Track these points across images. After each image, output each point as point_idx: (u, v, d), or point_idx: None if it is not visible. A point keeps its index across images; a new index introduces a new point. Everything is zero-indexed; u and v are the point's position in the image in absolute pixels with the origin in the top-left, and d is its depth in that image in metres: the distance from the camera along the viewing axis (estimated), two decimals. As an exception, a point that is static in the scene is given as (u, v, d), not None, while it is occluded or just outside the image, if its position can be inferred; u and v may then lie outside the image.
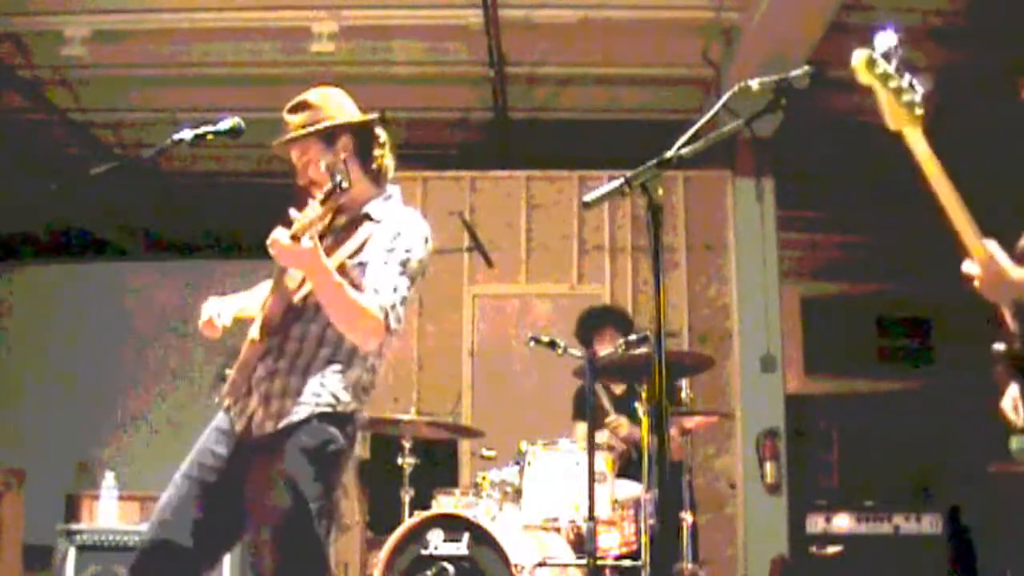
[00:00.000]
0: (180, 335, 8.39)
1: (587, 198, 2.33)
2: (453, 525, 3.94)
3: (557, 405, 5.24)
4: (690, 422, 4.35)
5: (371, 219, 2.78)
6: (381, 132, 2.94)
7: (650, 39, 6.36)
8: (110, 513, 5.06)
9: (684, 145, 2.30)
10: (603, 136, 7.32)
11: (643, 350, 4.26)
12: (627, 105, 7.23)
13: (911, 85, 1.93)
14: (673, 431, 4.46)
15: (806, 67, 2.29)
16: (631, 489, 4.32)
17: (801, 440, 7.36)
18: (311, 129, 2.79)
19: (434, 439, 5.05)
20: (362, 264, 2.69)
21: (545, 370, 5.89)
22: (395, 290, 2.66)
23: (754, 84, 2.31)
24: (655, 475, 3.91)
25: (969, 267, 2.11)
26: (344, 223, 2.81)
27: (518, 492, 4.27)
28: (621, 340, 4.73)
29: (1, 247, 9.46)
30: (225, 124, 2.81)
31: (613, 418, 4.73)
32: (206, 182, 8.38)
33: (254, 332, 2.72)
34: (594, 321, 5.05)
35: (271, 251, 2.55)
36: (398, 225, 2.76)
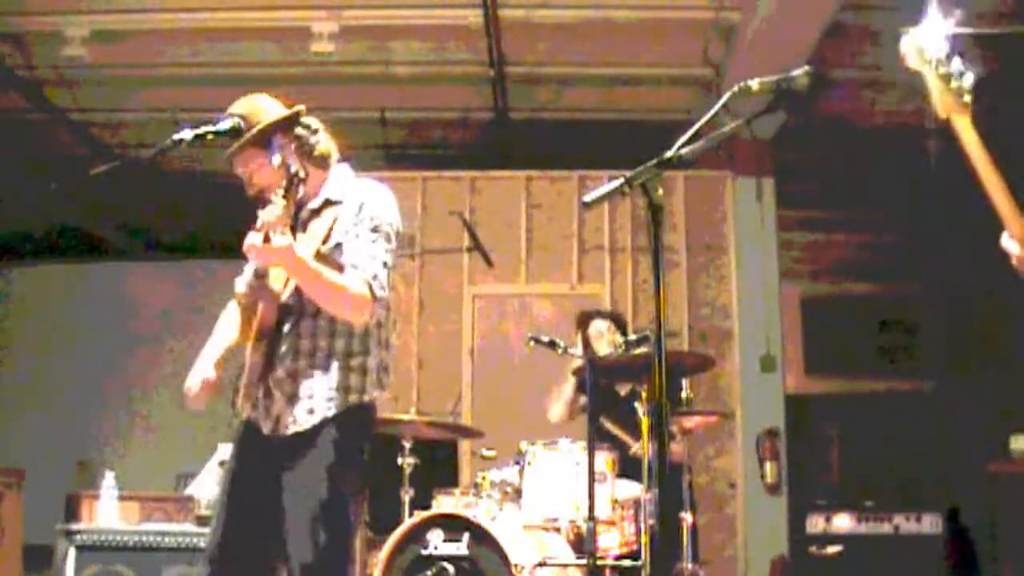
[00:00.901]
0: (180, 335, 8.39)
1: (587, 198, 2.33)
2: (453, 525, 3.94)
3: (557, 405, 5.24)
4: (690, 422, 4.35)
5: (331, 202, 2.84)
6: (311, 120, 2.95)
7: (650, 39, 6.36)
8: (110, 513, 5.06)
9: (684, 145, 2.29)
10: (603, 136, 7.32)
11: (643, 350, 4.27)
12: (627, 105, 7.23)
13: (960, 71, 1.89)
14: (675, 437, 4.47)
15: (806, 67, 2.28)
16: (631, 489, 4.32)
17: (801, 440, 7.35)
18: (244, 139, 2.81)
19: (434, 439, 5.05)
20: (337, 246, 2.75)
21: (545, 370, 5.87)
22: (373, 258, 2.72)
23: (754, 84, 2.31)
24: (655, 475, 3.91)
25: (1007, 243, 2.07)
26: (307, 215, 2.86)
27: (518, 492, 4.27)
28: (621, 339, 4.75)
29: (1, 247, 9.46)
30: (225, 124, 2.81)
31: (637, 447, 4.67)
32: (206, 182, 8.37)
33: (248, 334, 2.78)
34: (582, 323, 5.09)
35: (249, 255, 2.61)
36: (359, 198, 2.82)
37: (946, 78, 1.89)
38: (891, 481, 7.64)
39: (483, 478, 4.45)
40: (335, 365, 2.74)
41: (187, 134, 2.78)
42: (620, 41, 6.39)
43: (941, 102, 1.91)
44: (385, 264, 2.74)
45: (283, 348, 2.75)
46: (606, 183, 2.33)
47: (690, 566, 4.02)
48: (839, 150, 7.42)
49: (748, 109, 2.39)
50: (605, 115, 7.36)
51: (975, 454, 6.22)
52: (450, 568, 3.84)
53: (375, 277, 2.70)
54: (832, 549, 6.28)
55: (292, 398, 2.73)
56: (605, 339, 4.89)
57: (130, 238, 9.78)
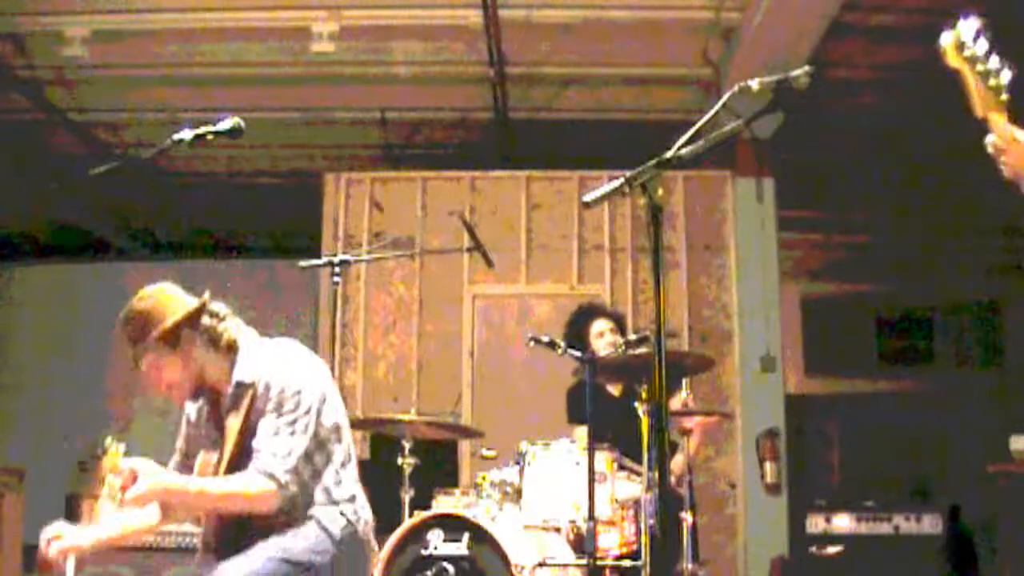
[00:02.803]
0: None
1: (587, 198, 2.33)
2: (453, 525, 3.93)
3: (557, 405, 5.23)
4: (690, 422, 4.34)
5: (244, 384, 2.75)
6: (218, 306, 2.86)
7: (650, 39, 6.36)
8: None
9: (684, 145, 2.29)
10: (603, 136, 7.33)
11: (643, 350, 4.26)
12: (627, 105, 7.23)
13: (998, 69, 1.87)
14: (676, 464, 4.46)
15: (806, 67, 2.28)
16: (631, 489, 4.32)
17: (801, 440, 7.36)
18: (147, 343, 2.75)
19: (434, 439, 5.05)
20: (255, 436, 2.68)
21: (545, 370, 5.88)
22: (274, 441, 2.66)
23: (754, 84, 2.31)
24: (655, 475, 3.91)
25: (991, 140, 1.97)
26: (228, 403, 2.78)
27: (518, 492, 4.26)
28: (620, 339, 4.74)
29: (1, 247, 9.46)
30: (225, 124, 2.81)
31: (677, 470, 4.63)
32: (206, 182, 8.39)
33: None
34: (584, 318, 5.02)
35: (137, 507, 2.62)
36: (264, 377, 2.72)
37: (984, 75, 1.87)
38: (891, 481, 7.65)
39: (483, 478, 4.44)
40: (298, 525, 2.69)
41: (187, 134, 2.78)
42: (620, 41, 6.39)
43: (978, 100, 1.89)
44: (292, 434, 2.66)
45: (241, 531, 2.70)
46: (606, 183, 2.33)
47: (690, 566, 4.01)
48: (839, 150, 7.43)
49: (748, 109, 2.38)
50: (605, 115, 7.36)
51: (975, 454, 6.21)
52: (450, 568, 3.83)
53: (274, 465, 2.62)
54: (832, 549, 6.28)
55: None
56: (606, 340, 4.86)
57: (130, 238, 9.78)
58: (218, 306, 2.85)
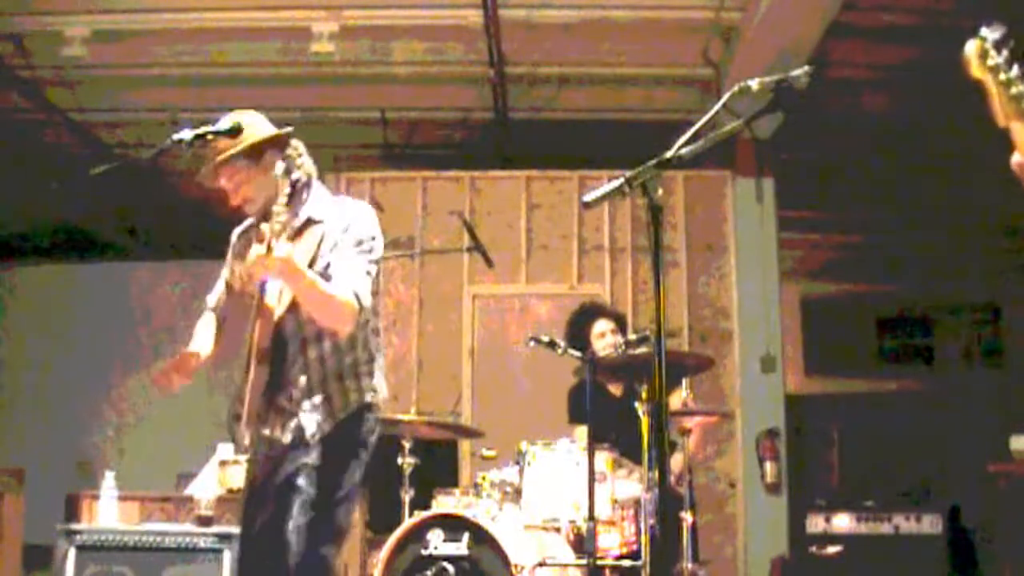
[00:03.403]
0: (180, 335, 8.38)
1: (587, 198, 2.33)
2: (453, 525, 3.94)
3: (557, 405, 5.23)
4: (690, 422, 4.34)
5: (313, 221, 2.90)
6: (297, 143, 3.00)
7: (650, 39, 6.35)
8: (110, 513, 5.06)
9: (684, 145, 2.29)
10: (603, 136, 7.32)
11: (643, 350, 4.26)
12: (627, 105, 7.23)
13: (1020, 76, 1.86)
14: (676, 463, 4.46)
15: (806, 67, 2.28)
16: (631, 489, 4.32)
17: (801, 440, 7.36)
18: (239, 148, 2.84)
19: (434, 439, 5.05)
20: (327, 265, 2.83)
21: (545, 370, 5.88)
22: (356, 270, 2.83)
23: (754, 84, 2.31)
24: (655, 475, 3.91)
25: (1016, 160, 2.00)
26: (290, 233, 2.86)
27: (518, 492, 4.26)
28: (621, 339, 4.73)
29: (1, 247, 9.46)
30: (225, 124, 2.81)
31: (676, 469, 4.61)
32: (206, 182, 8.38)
33: (252, 363, 2.79)
34: (585, 318, 5.02)
35: (257, 271, 2.68)
36: (342, 218, 2.90)
37: (1007, 84, 1.86)
38: (891, 481, 7.65)
39: (483, 478, 4.45)
40: (347, 377, 2.86)
41: (187, 134, 2.78)
42: (620, 41, 6.39)
43: (1001, 109, 1.88)
44: (368, 273, 2.85)
45: (291, 369, 2.81)
46: (606, 183, 2.33)
47: (690, 566, 4.01)
48: (839, 150, 7.43)
49: (748, 109, 2.38)
50: (605, 115, 7.35)
51: (975, 454, 6.22)
52: (450, 568, 3.84)
53: (359, 288, 2.79)
54: (832, 549, 6.28)
55: (300, 415, 2.78)
56: (607, 340, 4.86)
57: (130, 238, 9.78)
58: (298, 143, 3.00)
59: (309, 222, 2.90)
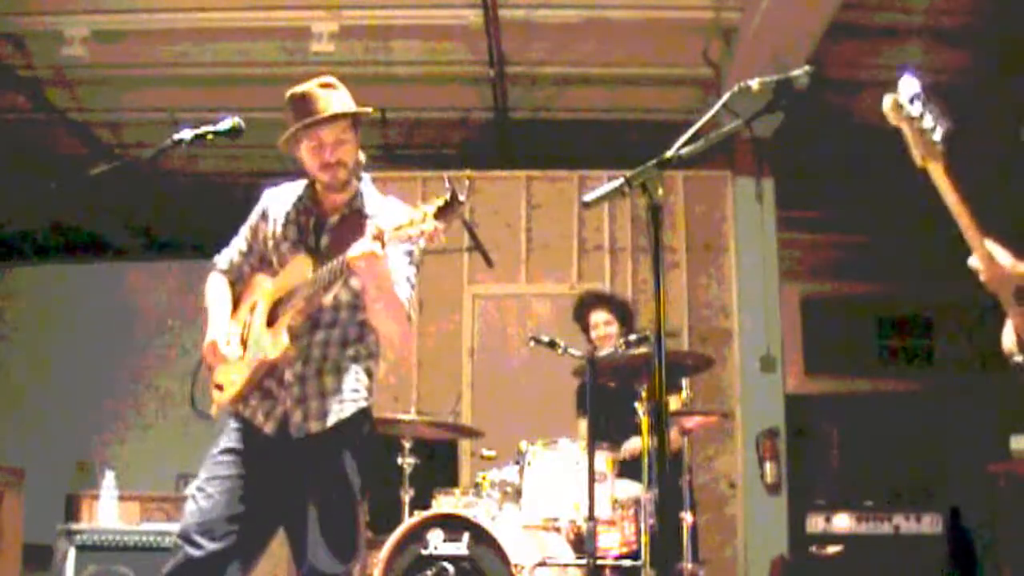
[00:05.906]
0: (180, 335, 8.40)
1: (587, 198, 2.34)
2: (453, 525, 3.94)
3: (557, 405, 5.24)
4: (690, 422, 4.35)
5: (363, 215, 2.86)
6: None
7: (650, 39, 6.36)
8: (110, 513, 5.07)
9: (684, 145, 2.29)
10: (603, 136, 7.32)
11: (643, 350, 4.26)
12: (627, 105, 7.23)
13: (934, 126, 2.08)
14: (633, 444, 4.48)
15: (806, 67, 2.28)
16: (631, 489, 4.32)
17: (801, 440, 7.35)
18: (359, 111, 2.90)
19: (434, 439, 5.05)
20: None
21: (545, 370, 5.88)
22: (408, 281, 2.83)
23: (754, 84, 2.31)
24: (655, 475, 3.91)
25: (972, 262, 2.38)
26: (336, 222, 2.88)
27: (518, 492, 4.27)
28: (616, 330, 4.75)
29: (1, 247, 9.46)
30: (225, 124, 2.82)
31: (630, 446, 4.62)
32: (206, 182, 8.38)
33: (283, 340, 2.75)
34: (583, 309, 5.06)
35: (360, 263, 2.57)
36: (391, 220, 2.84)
37: (921, 132, 2.07)
38: (891, 481, 7.65)
39: (483, 478, 4.45)
40: (346, 370, 2.82)
41: (187, 134, 2.78)
42: (620, 41, 6.39)
43: (918, 152, 2.10)
44: (413, 286, 2.86)
45: (313, 352, 2.80)
46: (606, 183, 2.33)
47: (690, 566, 4.02)
48: (839, 150, 7.42)
49: (748, 109, 2.38)
50: (605, 115, 7.36)
51: (975, 454, 6.22)
52: (450, 568, 3.84)
53: (410, 298, 2.81)
54: (832, 549, 6.28)
55: (302, 400, 2.77)
56: (601, 331, 4.89)
57: (130, 238, 9.78)
58: None
59: (357, 214, 2.88)
